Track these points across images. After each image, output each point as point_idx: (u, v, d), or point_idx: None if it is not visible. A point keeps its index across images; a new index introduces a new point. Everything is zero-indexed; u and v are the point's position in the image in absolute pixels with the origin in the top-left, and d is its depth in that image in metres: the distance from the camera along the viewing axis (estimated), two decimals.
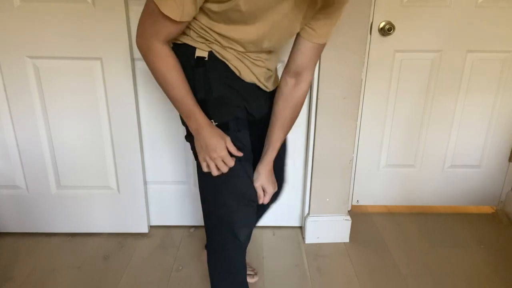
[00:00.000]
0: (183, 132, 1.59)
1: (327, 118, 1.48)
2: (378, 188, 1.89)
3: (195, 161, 0.97)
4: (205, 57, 0.90)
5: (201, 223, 1.75)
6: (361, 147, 1.82)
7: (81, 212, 1.65)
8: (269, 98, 1.07)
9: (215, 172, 0.91)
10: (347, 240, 1.66)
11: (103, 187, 1.62)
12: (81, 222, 1.67)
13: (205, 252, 1.38)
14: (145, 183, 1.65)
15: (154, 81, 1.50)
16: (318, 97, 1.45)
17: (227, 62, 0.92)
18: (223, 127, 0.92)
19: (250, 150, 0.98)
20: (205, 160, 0.91)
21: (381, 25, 1.59)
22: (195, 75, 0.90)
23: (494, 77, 1.69)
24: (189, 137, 0.97)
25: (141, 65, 1.48)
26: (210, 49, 0.91)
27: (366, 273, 1.48)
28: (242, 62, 0.94)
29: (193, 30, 0.90)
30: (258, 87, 1.01)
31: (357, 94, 1.45)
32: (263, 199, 1.01)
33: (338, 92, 1.45)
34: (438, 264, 1.53)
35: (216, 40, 0.89)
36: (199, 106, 0.90)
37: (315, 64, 1.02)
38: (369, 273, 1.48)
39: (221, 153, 0.89)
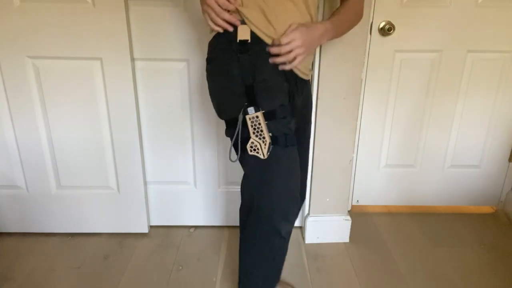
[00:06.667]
0: (183, 132, 1.59)
1: (327, 118, 1.48)
2: (378, 188, 1.89)
3: (235, 147, 0.96)
4: (248, 40, 0.90)
5: (201, 223, 1.75)
6: (361, 147, 1.82)
7: (81, 212, 1.65)
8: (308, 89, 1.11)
9: (212, 25, 0.92)
10: (347, 240, 1.66)
11: (103, 187, 1.62)
12: (81, 222, 1.67)
13: None
14: (145, 183, 1.65)
15: (154, 81, 1.51)
16: (318, 97, 1.45)
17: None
18: (271, 114, 0.91)
19: (295, 136, 0.98)
20: (205, 12, 0.92)
21: (381, 25, 1.59)
22: (241, 61, 0.90)
23: (494, 77, 1.69)
24: (230, 128, 0.96)
25: (141, 65, 1.48)
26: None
27: (366, 273, 1.48)
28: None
29: None
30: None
31: (357, 94, 1.45)
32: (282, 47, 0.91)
33: (338, 92, 1.45)
34: (438, 264, 1.53)
35: None
36: None
37: None
38: (369, 273, 1.48)
39: None
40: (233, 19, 0.91)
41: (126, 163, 1.57)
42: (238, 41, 0.90)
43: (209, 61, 0.98)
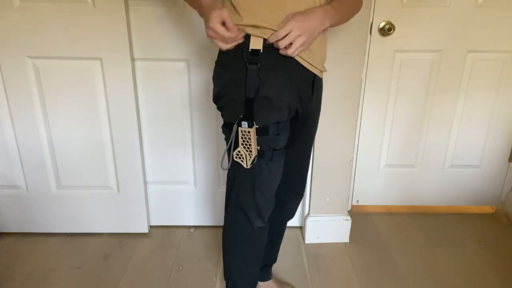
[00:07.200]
0: (183, 132, 1.59)
1: (327, 118, 1.48)
2: (378, 188, 1.89)
3: (228, 152, 0.96)
4: (260, 49, 0.88)
5: (201, 223, 1.75)
6: (361, 147, 1.82)
7: (81, 212, 1.65)
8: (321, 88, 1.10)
9: (219, 44, 0.89)
10: (347, 240, 1.66)
11: (103, 187, 1.62)
12: (81, 222, 1.67)
13: None
14: (145, 183, 1.65)
15: (154, 81, 1.51)
16: None
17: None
18: (263, 130, 0.92)
19: (284, 150, 0.98)
20: (210, 36, 0.89)
21: (381, 25, 1.59)
22: (249, 72, 0.88)
23: (494, 77, 1.69)
24: (225, 127, 0.97)
25: (141, 65, 1.48)
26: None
27: (366, 273, 1.48)
28: None
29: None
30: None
31: (357, 94, 1.45)
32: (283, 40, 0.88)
33: (338, 92, 1.45)
34: (438, 264, 1.53)
35: None
36: None
37: None
38: (369, 273, 1.48)
39: (213, 26, 0.85)
40: (241, 35, 0.88)
41: (126, 163, 1.57)
42: (250, 50, 0.89)
43: (217, 64, 0.98)
